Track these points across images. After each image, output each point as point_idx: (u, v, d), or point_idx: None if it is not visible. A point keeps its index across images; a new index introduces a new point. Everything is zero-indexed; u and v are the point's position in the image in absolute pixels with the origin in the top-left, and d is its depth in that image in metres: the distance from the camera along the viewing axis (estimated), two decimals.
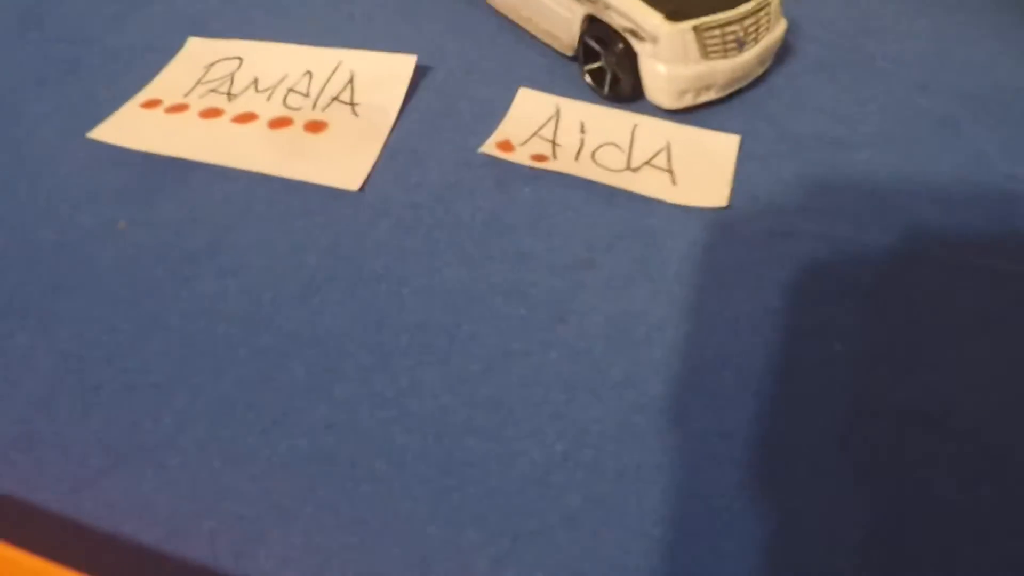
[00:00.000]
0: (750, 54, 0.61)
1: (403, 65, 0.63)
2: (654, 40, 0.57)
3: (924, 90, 0.65)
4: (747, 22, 0.60)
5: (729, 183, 0.56)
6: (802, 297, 0.51)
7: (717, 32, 0.58)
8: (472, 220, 0.54)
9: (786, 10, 0.65)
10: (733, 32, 0.59)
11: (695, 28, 0.57)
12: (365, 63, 0.64)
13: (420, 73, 0.64)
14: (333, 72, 0.64)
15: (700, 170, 0.56)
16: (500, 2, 0.68)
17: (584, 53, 0.62)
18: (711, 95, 0.61)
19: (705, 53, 0.58)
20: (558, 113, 0.60)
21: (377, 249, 0.53)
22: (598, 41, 0.60)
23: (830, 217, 0.54)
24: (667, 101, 0.59)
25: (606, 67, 0.60)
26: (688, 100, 0.60)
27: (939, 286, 0.51)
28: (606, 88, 0.61)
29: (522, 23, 0.67)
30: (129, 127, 0.61)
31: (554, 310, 0.50)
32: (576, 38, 0.62)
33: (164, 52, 0.68)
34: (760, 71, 0.64)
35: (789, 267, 0.52)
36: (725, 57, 0.59)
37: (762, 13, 0.61)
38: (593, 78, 0.62)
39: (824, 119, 0.62)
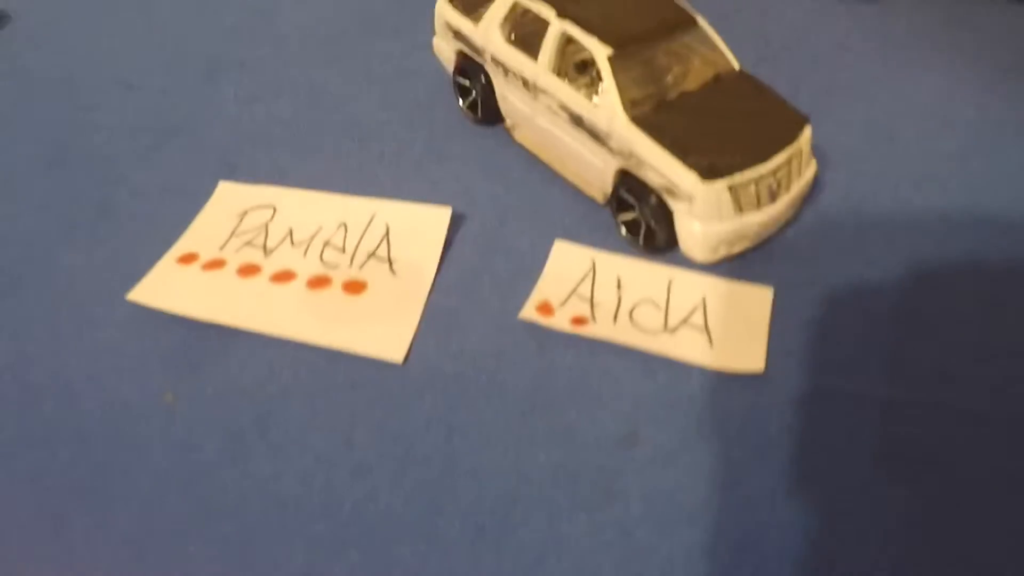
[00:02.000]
0: (782, 202, 0.63)
1: (439, 218, 0.65)
2: (690, 199, 0.59)
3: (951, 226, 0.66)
4: (779, 173, 0.62)
5: (764, 343, 0.58)
6: (840, 463, 0.52)
7: (752, 187, 0.60)
8: (516, 391, 0.56)
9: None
10: (767, 184, 0.61)
11: (730, 187, 0.59)
12: (400, 215, 0.66)
13: (454, 222, 0.66)
14: (368, 224, 0.65)
15: (736, 329, 0.58)
16: (531, 142, 0.70)
17: (617, 204, 0.64)
18: (745, 245, 0.63)
19: (739, 208, 0.60)
20: (594, 268, 0.62)
21: (426, 426, 0.55)
22: (632, 193, 0.62)
23: (866, 374, 0.56)
24: (702, 256, 0.62)
25: (640, 219, 0.62)
26: (722, 253, 0.62)
27: (982, 447, 0.52)
28: (641, 239, 0.63)
29: (553, 164, 0.69)
30: (167, 287, 0.63)
31: (601, 491, 0.52)
32: (609, 188, 0.64)
33: (193, 194, 0.70)
34: (792, 214, 0.66)
35: (826, 431, 0.54)
36: (759, 209, 0.61)
37: (793, 161, 0.62)
38: (627, 228, 0.64)
39: (855, 261, 0.63)
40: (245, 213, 0.68)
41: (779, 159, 0.61)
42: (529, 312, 0.59)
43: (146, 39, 0.89)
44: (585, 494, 0.51)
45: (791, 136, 0.62)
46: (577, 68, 0.67)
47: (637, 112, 0.61)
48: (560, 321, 0.59)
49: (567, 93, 0.64)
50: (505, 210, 0.67)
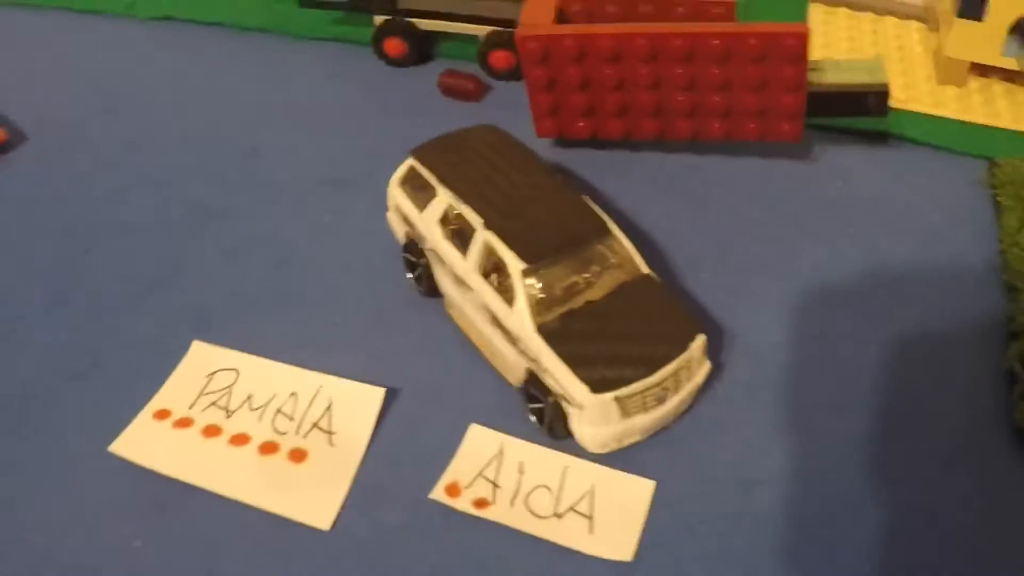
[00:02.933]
0: (671, 403, 0.73)
1: (373, 398, 0.76)
2: (580, 407, 0.69)
3: (833, 408, 0.76)
4: (667, 382, 0.71)
5: (638, 534, 0.68)
6: None
7: (638, 397, 0.70)
8: (420, 567, 0.66)
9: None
10: (653, 393, 0.71)
11: (616, 398, 0.69)
12: (341, 390, 0.77)
13: (390, 396, 0.77)
14: (315, 396, 0.77)
15: (615, 518, 0.69)
16: (463, 324, 0.81)
17: (527, 396, 0.74)
18: (635, 439, 0.73)
19: (626, 414, 0.70)
20: (501, 453, 0.73)
21: None
22: (537, 390, 0.73)
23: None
24: (592, 450, 0.72)
25: (545, 411, 0.72)
26: (612, 447, 0.72)
27: None
28: (545, 428, 0.73)
29: (480, 348, 0.79)
30: (143, 441, 0.75)
31: None
32: (520, 382, 0.74)
33: (175, 349, 0.81)
34: (684, 408, 0.75)
35: None
36: (646, 412, 0.71)
37: (682, 369, 0.72)
38: (536, 416, 0.74)
39: (743, 451, 0.73)
40: (213, 374, 0.79)
41: (667, 371, 0.71)
42: (438, 492, 0.70)
43: (141, 177, 0.99)
44: None
45: (681, 347, 0.72)
46: (496, 268, 0.76)
47: (543, 321, 0.72)
48: (464, 503, 0.69)
49: (489, 295, 0.74)
50: (436, 387, 0.78)
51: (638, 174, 0.97)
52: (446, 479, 0.71)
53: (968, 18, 1.01)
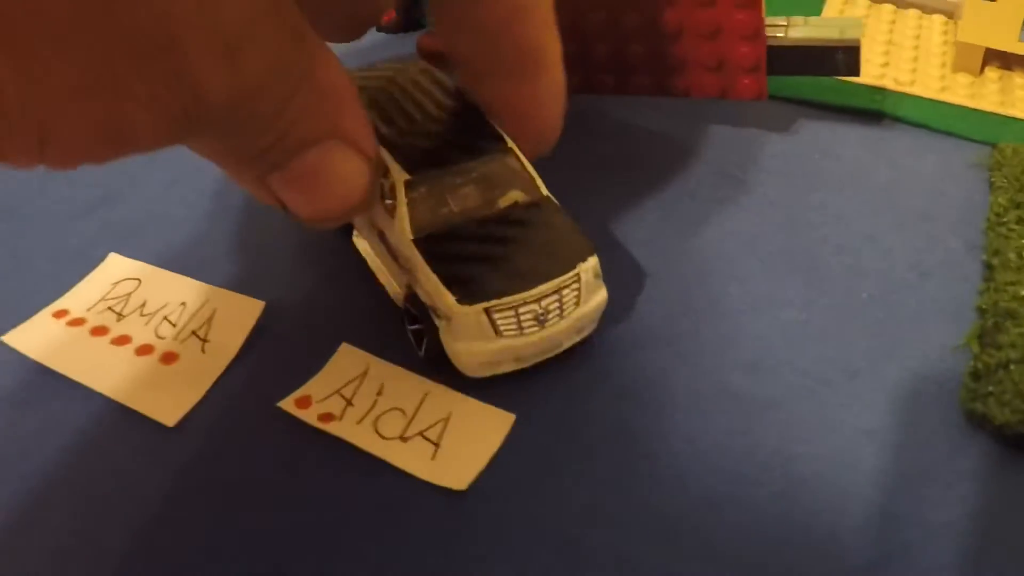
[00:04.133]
0: (555, 329, 0.68)
1: (252, 309, 0.74)
2: (448, 319, 0.65)
3: (750, 370, 0.69)
4: (546, 301, 0.66)
5: (481, 466, 0.63)
6: None
7: (511, 313, 0.65)
8: (259, 477, 0.64)
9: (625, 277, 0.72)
10: (530, 311, 0.66)
11: (486, 310, 0.65)
12: (225, 301, 0.76)
13: (277, 313, 0.75)
14: (201, 307, 0.76)
15: (463, 447, 0.64)
16: (364, 252, 0.78)
17: (407, 315, 0.70)
18: (511, 367, 0.68)
19: (499, 332, 0.66)
20: (366, 373, 0.69)
21: (181, 493, 0.63)
22: (416, 307, 0.69)
23: (562, 525, 0.61)
24: (466, 371, 0.68)
25: (424, 332, 0.69)
26: (486, 371, 0.68)
27: None
28: (422, 351, 0.69)
29: (376, 273, 0.77)
30: (36, 336, 0.75)
31: None
32: (402, 298, 0.71)
33: (94, 263, 0.82)
34: (577, 339, 0.70)
35: (515, 565, 0.58)
36: (522, 334, 0.66)
37: (567, 290, 0.67)
38: (414, 338, 0.70)
39: (614, 407, 0.67)
40: (118, 283, 0.79)
41: (545, 288, 0.66)
42: (287, 403, 0.67)
43: None
44: None
45: (568, 266, 0.67)
46: (392, 189, 0.73)
47: (422, 235, 0.68)
48: (310, 415, 0.66)
49: (378, 211, 0.71)
50: (324, 309, 0.76)
51: (606, 143, 0.93)
52: (300, 392, 0.68)
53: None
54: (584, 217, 0.73)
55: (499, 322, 0.65)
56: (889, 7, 1.09)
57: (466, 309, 0.65)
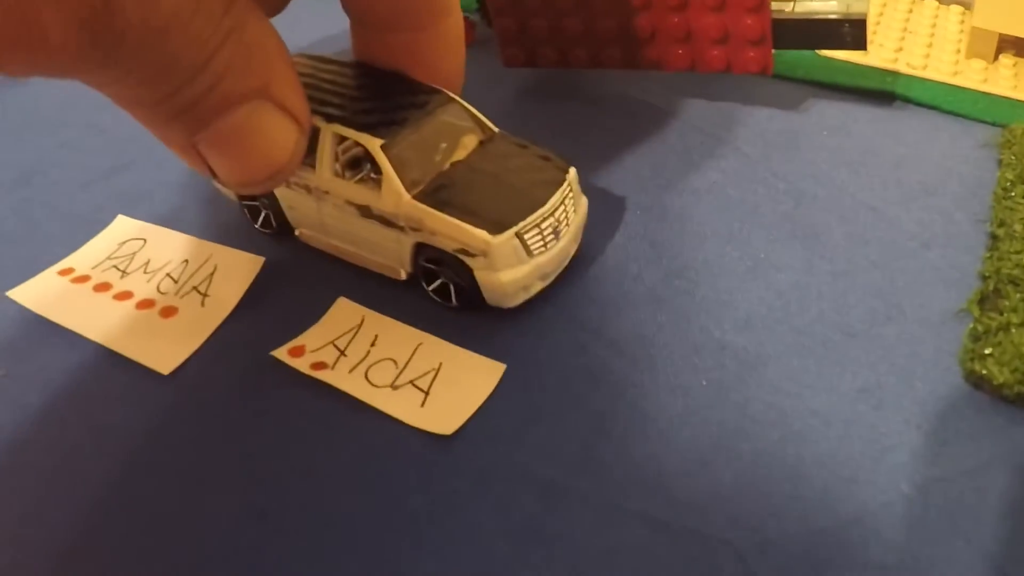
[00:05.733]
0: (566, 238, 0.72)
1: (251, 265, 0.76)
2: (484, 254, 0.67)
3: (745, 326, 0.69)
4: (557, 212, 0.70)
5: (468, 413, 0.64)
6: (494, 539, 0.57)
7: (536, 231, 0.69)
8: (247, 423, 0.65)
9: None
10: (549, 225, 0.70)
11: (517, 234, 0.68)
12: (226, 258, 0.77)
13: (273, 271, 0.76)
14: (203, 263, 0.77)
15: (453, 396, 0.65)
16: (324, 243, 0.78)
17: (423, 273, 0.72)
18: (538, 287, 0.72)
19: (530, 252, 0.69)
20: (360, 325, 0.70)
21: (169, 440, 0.64)
22: (432, 262, 0.71)
23: (547, 472, 0.61)
24: (506, 302, 0.70)
25: (448, 282, 0.71)
26: (521, 297, 0.71)
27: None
28: (454, 300, 0.72)
29: (351, 259, 0.76)
30: (39, 291, 0.77)
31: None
32: (409, 264, 0.72)
33: (104, 224, 0.83)
34: (575, 248, 0.74)
35: (499, 508, 0.59)
36: (546, 249, 0.70)
37: (568, 199, 0.72)
38: (438, 294, 0.72)
39: (605, 361, 0.68)
40: (124, 243, 0.81)
41: (554, 200, 0.70)
42: (280, 352, 0.68)
43: None
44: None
45: (559, 178, 0.71)
46: (350, 166, 0.75)
47: (418, 190, 0.70)
48: (303, 364, 0.67)
49: (351, 189, 0.72)
50: (320, 267, 0.77)
51: (616, 118, 0.94)
52: (295, 342, 0.69)
53: None
54: (588, 183, 0.74)
55: (530, 242, 0.68)
56: None
57: (501, 238, 0.67)
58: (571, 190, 0.72)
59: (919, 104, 0.94)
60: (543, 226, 0.69)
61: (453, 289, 0.71)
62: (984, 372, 0.64)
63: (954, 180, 0.84)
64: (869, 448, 0.61)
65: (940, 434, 0.62)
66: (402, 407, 0.64)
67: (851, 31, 0.84)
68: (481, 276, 0.69)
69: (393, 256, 0.73)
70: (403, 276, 0.74)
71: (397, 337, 0.69)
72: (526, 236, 0.68)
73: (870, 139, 0.89)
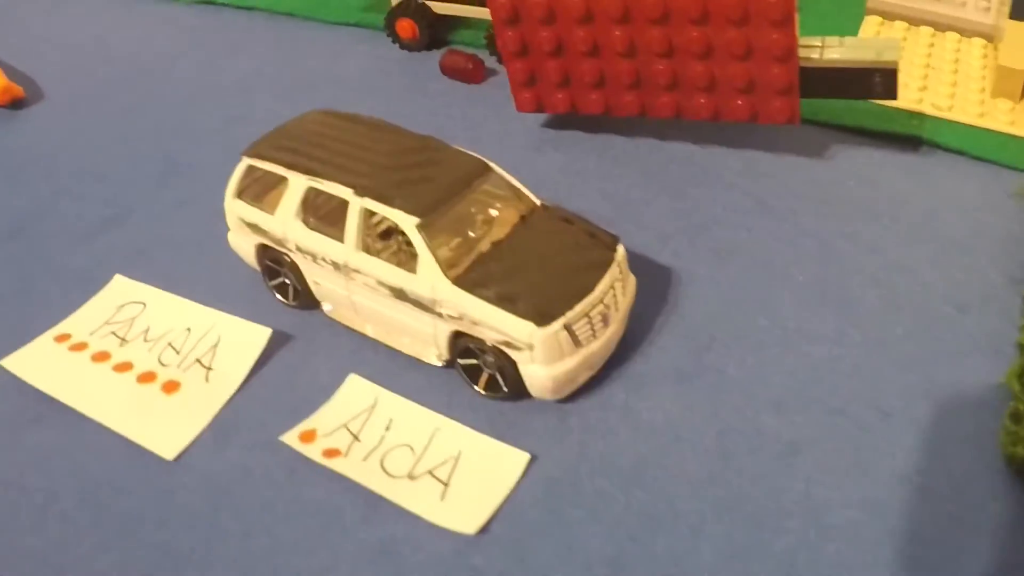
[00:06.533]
0: (615, 324, 0.68)
1: (258, 337, 0.72)
2: (529, 347, 0.63)
3: (777, 408, 0.67)
4: (607, 297, 0.66)
5: (492, 509, 0.61)
6: None
7: (585, 320, 0.64)
8: (256, 517, 0.62)
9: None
10: (599, 312, 0.65)
11: (565, 326, 0.63)
12: (230, 328, 0.74)
13: (281, 341, 0.73)
14: (206, 333, 0.74)
15: (474, 488, 0.62)
16: (356, 322, 0.73)
17: (463, 366, 0.68)
18: (585, 376, 0.67)
19: (578, 342, 0.65)
20: (374, 406, 0.67)
21: (176, 529, 0.61)
22: (472, 352, 0.67)
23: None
24: (552, 396, 0.66)
25: (484, 368, 0.67)
26: (570, 389, 0.67)
27: None
28: (482, 388, 0.67)
29: (381, 339, 0.72)
30: (36, 360, 0.74)
31: None
32: (446, 351, 0.68)
33: (101, 283, 0.80)
34: (622, 331, 0.70)
35: None
36: (595, 337, 0.66)
37: (616, 283, 0.67)
38: (468, 375, 0.68)
39: (633, 448, 0.65)
40: (123, 306, 0.78)
41: (604, 284, 0.66)
42: (291, 438, 0.65)
43: (128, 135, 1.01)
44: None
45: (607, 258, 0.67)
46: (381, 237, 0.71)
47: (456, 273, 0.65)
48: (314, 451, 0.64)
49: (383, 269, 0.68)
50: (328, 339, 0.74)
51: (633, 166, 0.90)
52: (305, 425, 0.66)
53: (1022, 19, 0.90)
54: None
55: (578, 332, 0.64)
56: (928, 29, 1.06)
57: (547, 331, 0.62)
58: (620, 271, 0.67)
59: (946, 149, 0.91)
60: (592, 314, 0.65)
61: (485, 377, 0.67)
62: None
63: (986, 234, 0.81)
64: (908, 545, 0.58)
65: (983, 525, 0.59)
66: (421, 501, 0.61)
67: (882, 80, 0.81)
68: (525, 369, 0.64)
69: (429, 340, 0.69)
70: (439, 363, 0.69)
71: (413, 421, 0.66)
72: (575, 326, 0.64)
73: (899, 189, 0.86)
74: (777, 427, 0.65)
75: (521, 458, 0.63)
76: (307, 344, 0.73)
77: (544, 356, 0.63)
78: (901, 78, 0.90)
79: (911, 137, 0.92)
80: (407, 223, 0.66)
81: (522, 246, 0.67)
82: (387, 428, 0.66)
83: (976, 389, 0.68)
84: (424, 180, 0.68)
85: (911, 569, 0.57)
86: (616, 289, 0.67)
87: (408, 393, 0.68)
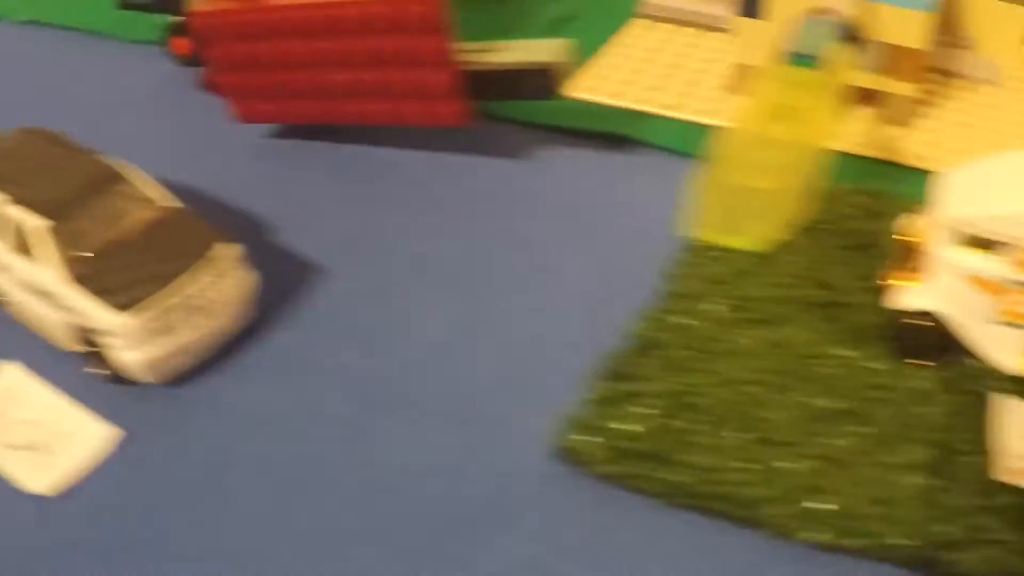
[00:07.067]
0: (218, 317, 0.73)
1: None
2: (111, 335, 0.70)
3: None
4: (202, 289, 0.72)
5: (75, 475, 0.66)
6: None
7: (162, 311, 0.70)
8: None
9: None
10: (195, 304, 0.72)
11: (139, 312, 0.70)
12: None
13: None
14: None
15: (54, 457, 0.67)
16: (18, 315, 0.79)
17: (85, 354, 0.74)
18: (188, 361, 0.73)
19: (162, 330, 0.71)
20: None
21: None
22: (88, 342, 0.73)
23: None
24: (143, 378, 0.72)
25: (100, 353, 0.73)
26: (163, 373, 0.72)
27: None
28: (96, 369, 0.74)
29: (37, 331, 0.78)
30: None
31: None
32: (73, 342, 0.74)
33: None
34: (228, 323, 0.75)
35: None
36: (186, 326, 0.72)
37: (217, 277, 0.73)
38: (89, 360, 0.74)
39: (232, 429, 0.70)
40: None
41: (193, 278, 0.72)
42: None
43: None
44: None
45: (198, 255, 0.73)
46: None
47: (74, 271, 0.72)
48: None
49: (22, 264, 0.74)
50: None
51: (333, 172, 0.93)
52: None
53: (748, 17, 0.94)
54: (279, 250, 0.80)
55: (163, 319, 0.70)
56: (692, 31, 1.08)
57: (123, 319, 0.69)
58: (221, 267, 0.73)
59: (658, 147, 0.94)
60: (181, 304, 0.71)
61: (103, 365, 0.73)
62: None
63: (671, 221, 0.83)
64: None
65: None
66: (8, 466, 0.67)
67: (543, 80, 0.85)
68: (117, 357, 0.71)
69: (61, 330, 0.75)
70: (75, 349, 0.75)
71: (22, 395, 0.72)
72: (154, 315, 0.70)
73: (585, 186, 0.89)
74: (389, 426, 0.70)
75: (109, 434, 0.69)
76: None
77: (126, 343, 0.70)
78: (627, 77, 0.93)
79: (621, 136, 0.94)
80: (31, 225, 0.73)
81: (141, 246, 0.74)
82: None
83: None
84: (58, 187, 0.76)
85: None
86: (217, 284, 0.73)
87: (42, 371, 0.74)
